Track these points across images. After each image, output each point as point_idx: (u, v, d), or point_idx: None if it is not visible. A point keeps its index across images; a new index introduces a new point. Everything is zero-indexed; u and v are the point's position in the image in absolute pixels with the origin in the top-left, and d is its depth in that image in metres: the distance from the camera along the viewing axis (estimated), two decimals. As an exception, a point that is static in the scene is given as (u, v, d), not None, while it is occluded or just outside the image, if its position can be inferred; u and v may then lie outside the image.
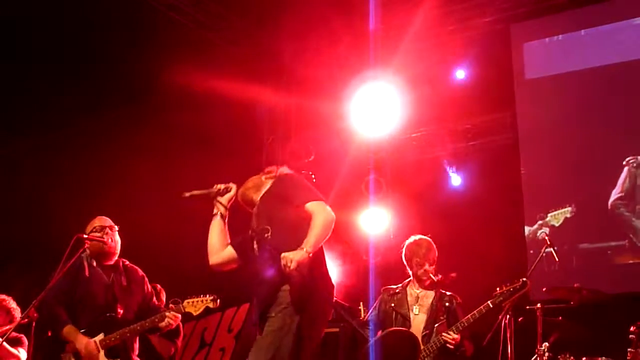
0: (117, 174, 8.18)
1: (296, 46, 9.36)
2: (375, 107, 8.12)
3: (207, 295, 5.15)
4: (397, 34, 8.35)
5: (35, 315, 5.20)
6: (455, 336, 5.36)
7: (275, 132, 9.43)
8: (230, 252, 4.39)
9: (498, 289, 5.46)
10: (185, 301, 5.14)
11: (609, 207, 7.55)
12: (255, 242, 4.15)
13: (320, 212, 4.02)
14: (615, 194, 7.56)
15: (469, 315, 5.42)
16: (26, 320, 5.11)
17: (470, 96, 8.23)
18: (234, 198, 4.47)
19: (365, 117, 8.21)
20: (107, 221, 5.33)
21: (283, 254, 3.82)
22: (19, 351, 5.99)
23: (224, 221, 4.43)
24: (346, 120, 8.35)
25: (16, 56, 7.75)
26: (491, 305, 5.37)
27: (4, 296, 6.15)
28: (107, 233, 5.23)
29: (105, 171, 8.25)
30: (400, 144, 8.76)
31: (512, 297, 5.37)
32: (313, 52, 9.24)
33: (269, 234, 4.04)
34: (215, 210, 4.48)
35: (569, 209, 7.72)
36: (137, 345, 5.33)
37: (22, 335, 6.02)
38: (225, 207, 4.43)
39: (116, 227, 5.32)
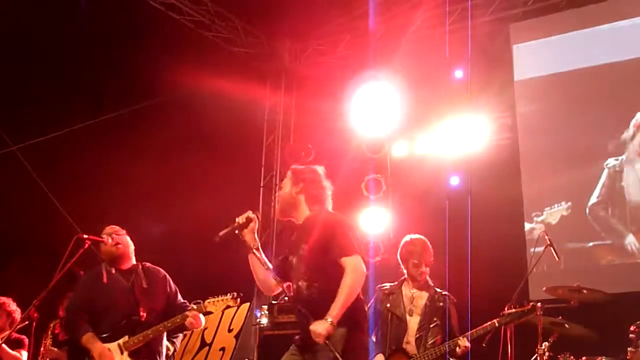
0: (117, 174, 8.18)
1: (296, 46, 9.37)
2: (375, 107, 8.12)
3: (228, 295, 5.20)
4: (396, 34, 8.36)
5: (35, 315, 5.21)
6: (467, 344, 5.30)
7: (275, 132, 9.44)
8: (275, 281, 4.53)
9: (506, 308, 5.42)
10: (207, 301, 5.21)
11: (587, 210, 7.62)
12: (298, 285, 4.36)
13: (351, 272, 4.24)
14: (594, 197, 7.62)
15: (476, 330, 5.37)
16: (26, 321, 5.12)
17: (470, 95, 8.23)
18: (258, 225, 4.51)
19: (365, 117, 8.21)
20: (114, 228, 5.40)
21: (311, 328, 4.09)
22: (20, 353, 5.98)
23: (258, 252, 4.48)
24: (346, 120, 8.36)
25: (17, 56, 7.75)
26: (497, 325, 5.34)
27: (4, 299, 6.15)
28: (111, 236, 5.27)
29: (105, 171, 8.25)
30: (400, 144, 8.75)
31: (519, 320, 5.37)
32: (313, 52, 9.26)
33: (307, 285, 4.30)
34: (247, 244, 4.51)
35: (565, 205, 7.75)
36: (162, 349, 5.38)
37: (24, 336, 6.02)
38: (253, 238, 4.48)
39: (123, 231, 5.37)
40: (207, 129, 8.31)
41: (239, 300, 5.23)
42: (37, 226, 8.01)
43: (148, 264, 5.45)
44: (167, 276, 5.47)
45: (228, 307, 5.27)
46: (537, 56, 8.23)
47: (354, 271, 4.25)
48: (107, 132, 8.48)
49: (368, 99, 8.15)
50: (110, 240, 5.26)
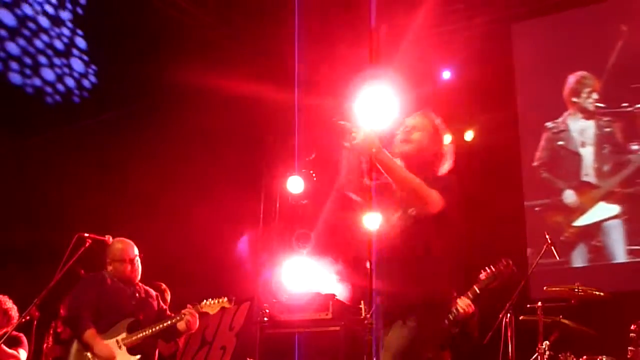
0: (118, 173, 8.18)
1: (298, 44, 9.37)
2: (376, 106, 8.11)
3: (224, 298, 5.56)
4: (396, 34, 8.36)
5: (36, 314, 5.26)
6: (468, 302, 5.22)
7: (277, 131, 9.43)
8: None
9: (481, 272, 5.43)
10: (203, 302, 5.54)
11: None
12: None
13: None
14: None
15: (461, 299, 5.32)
16: (27, 317, 5.14)
17: (471, 95, 8.23)
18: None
19: (367, 116, 8.21)
20: (131, 252, 5.66)
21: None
22: (18, 351, 5.97)
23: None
24: (347, 119, 8.34)
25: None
26: (477, 291, 5.32)
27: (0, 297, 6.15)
28: (130, 262, 5.59)
29: (106, 170, 8.24)
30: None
31: (497, 281, 5.35)
32: (315, 50, 9.25)
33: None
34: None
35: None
36: (157, 352, 5.67)
37: (22, 334, 6.01)
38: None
39: (138, 256, 5.67)
40: (208, 127, 8.32)
41: (233, 302, 5.62)
42: (37, 226, 8.01)
43: (142, 284, 5.79)
44: (159, 295, 5.83)
45: (223, 308, 5.62)
46: (538, 55, 8.24)
47: None
48: (108, 131, 8.48)
49: (369, 99, 8.14)
50: (110, 238, 5.41)
